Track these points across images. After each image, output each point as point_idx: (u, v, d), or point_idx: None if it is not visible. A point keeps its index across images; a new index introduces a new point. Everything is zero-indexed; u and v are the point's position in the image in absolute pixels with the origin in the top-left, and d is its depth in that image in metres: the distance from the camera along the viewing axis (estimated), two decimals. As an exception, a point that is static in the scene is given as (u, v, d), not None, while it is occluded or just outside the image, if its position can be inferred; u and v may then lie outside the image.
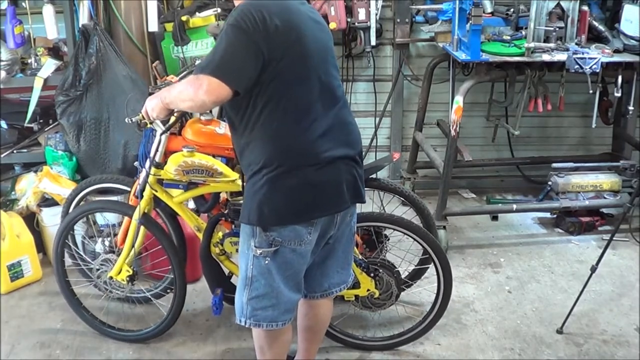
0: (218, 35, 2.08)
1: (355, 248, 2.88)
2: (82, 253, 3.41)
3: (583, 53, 3.60)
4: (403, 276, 3.14)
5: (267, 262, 2.19)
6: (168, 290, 3.24)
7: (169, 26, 4.10)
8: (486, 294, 3.54)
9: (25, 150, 4.08)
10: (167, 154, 2.92)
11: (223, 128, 3.05)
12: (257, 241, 2.18)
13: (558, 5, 3.80)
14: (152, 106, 2.29)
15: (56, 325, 3.27)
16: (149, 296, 3.24)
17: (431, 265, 3.00)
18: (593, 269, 3.15)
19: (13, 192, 3.94)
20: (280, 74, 2.05)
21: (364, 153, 4.67)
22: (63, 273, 3.14)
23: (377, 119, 4.74)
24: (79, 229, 3.46)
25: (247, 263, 2.24)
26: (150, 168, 2.91)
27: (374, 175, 3.12)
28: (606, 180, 4.15)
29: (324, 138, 2.13)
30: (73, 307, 3.19)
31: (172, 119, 2.80)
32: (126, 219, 3.07)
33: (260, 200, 2.12)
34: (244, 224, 2.21)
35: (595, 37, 3.96)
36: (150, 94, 2.47)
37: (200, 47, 4.13)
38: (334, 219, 2.26)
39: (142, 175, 2.96)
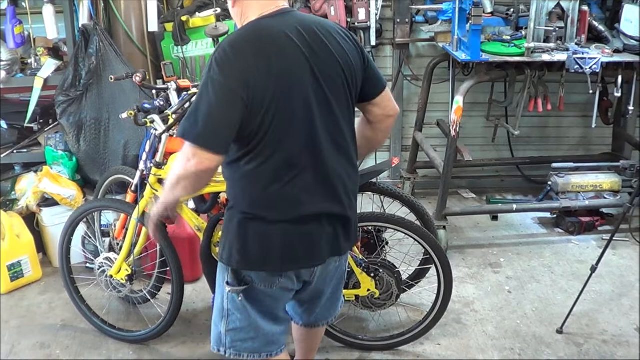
0: (203, 76, 1.87)
1: (355, 248, 2.88)
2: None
3: (583, 53, 3.60)
4: (406, 276, 3.14)
5: (240, 298, 2.06)
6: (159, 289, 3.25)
7: (169, 26, 4.10)
8: (486, 294, 3.54)
9: (25, 150, 4.09)
10: (166, 154, 2.92)
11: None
12: (229, 278, 2.05)
13: (558, 5, 3.80)
14: (157, 212, 2.12)
15: (56, 325, 3.27)
16: (145, 294, 3.24)
17: (431, 266, 3.00)
18: (593, 269, 3.15)
19: (13, 192, 3.94)
20: (265, 126, 1.84)
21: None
22: (68, 270, 3.14)
23: (377, 119, 4.73)
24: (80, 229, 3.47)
25: (222, 295, 2.12)
26: (147, 167, 2.92)
27: (373, 180, 3.13)
28: (606, 180, 4.15)
29: (306, 193, 1.93)
30: (76, 305, 3.19)
31: (172, 119, 2.80)
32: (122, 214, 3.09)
33: (231, 241, 1.99)
34: (220, 261, 2.09)
35: (595, 37, 3.96)
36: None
37: (200, 47, 4.14)
38: (311, 269, 2.09)
39: (137, 173, 3.00)
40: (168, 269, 3.01)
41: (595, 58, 3.54)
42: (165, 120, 2.80)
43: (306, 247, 2.00)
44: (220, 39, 3.20)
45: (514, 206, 4.13)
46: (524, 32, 3.86)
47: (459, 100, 3.68)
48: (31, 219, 3.81)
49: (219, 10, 3.88)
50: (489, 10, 4.00)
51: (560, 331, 3.17)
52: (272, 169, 1.88)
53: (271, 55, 1.81)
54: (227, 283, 2.05)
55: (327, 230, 2.01)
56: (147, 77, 3.61)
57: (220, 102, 1.78)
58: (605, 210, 4.33)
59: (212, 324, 2.21)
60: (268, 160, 1.87)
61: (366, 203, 3.56)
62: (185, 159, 1.82)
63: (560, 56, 3.66)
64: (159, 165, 2.88)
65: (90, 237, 3.51)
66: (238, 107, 1.78)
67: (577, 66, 3.54)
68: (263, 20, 1.89)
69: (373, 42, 4.38)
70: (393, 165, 3.48)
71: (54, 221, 3.73)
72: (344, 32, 1.99)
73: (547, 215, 4.41)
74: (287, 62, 1.83)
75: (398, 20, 4.43)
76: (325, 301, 2.30)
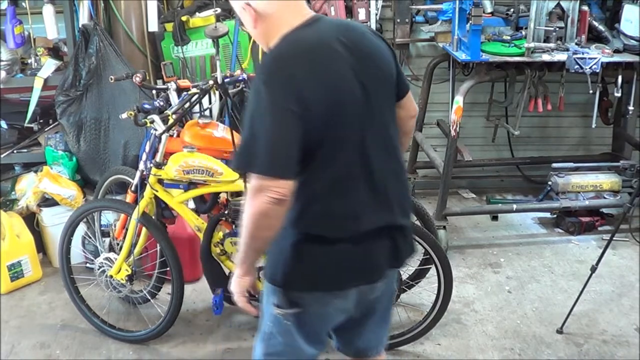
0: (247, 104, 1.71)
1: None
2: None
3: (583, 53, 3.60)
4: (406, 276, 3.14)
5: (287, 322, 1.91)
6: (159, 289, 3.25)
7: (169, 26, 4.10)
8: (486, 294, 3.54)
9: (25, 150, 4.09)
10: (166, 155, 2.92)
11: (221, 131, 3.06)
12: (278, 300, 1.89)
13: (558, 5, 3.80)
14: (233, 285, 1.95)
15: (56, 325, 3.27)
16: (145, 294, 3.23)
17: (431, 266, 3.00)
18: (593, 269, 3.15)
19: (13, 192, 3.94)
20: (322, 141, 1.70)
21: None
22: (68, 270, 3.14)
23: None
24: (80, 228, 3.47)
25: (267, 318, 1.98)
26: (147, 167, 2.92)
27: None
28: (606, 180, 4.15)
29: (362, 206, 1.81)
30: (76, 305, 3.19)
31: (171, 119, 2.80)
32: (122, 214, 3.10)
33: (285, 260, 1.82)
34: (266, 280, 1.92)
35: (595, 37, 3.95)
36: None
37: (200, 47, 4.13)
38: (370, 285, 1.95)
39: (137, 173, 3.00)
40: (168, 269, 3.02)
41: (595, 58, 3.54)
42: (165, 121, 2.80)
43: (366, 262, 1.88)
44: (220, 40, 3.19)
45: (514, 206, 4.13)
46: (524, 32, 3.86)
47: (459, 100, 3.68)
48: (31, 219, 3.81)
49: (219, 10, 3.87)
50: (489, 10, 4.00)
51: (560, 331, 3.17)
52: (329, 184, 1.76)
53: (319, 67, 1.70)
54: (276, 305, 1.89)
55: (385, 242, 1.89)
56: (147, 77, 3.61)
57: (279, 123, 1.63)
58: (605, 210, 4.33)
59: (254, 343, 2.08)
60: (324, 176, 1.75)
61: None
62: (254, 196, 1.64)
63: (560, 56, 3.66)
64: (159, 166, 2.88)
65: (90, 237, 3.51)
66: (297, 125, 1.64)
67: (577, 66, 3.54)
68: (298, 31, 1.73)
69: (373, 42, 4.37)
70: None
71: (54, 221, 3.73)
72: (375, 33, 1.91)
73: (547, 215, 4.41)
74: (335, 71, 1.71)
75: (398, 20, 4.42)
76: (376, 320, 2.11)
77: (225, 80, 2.99)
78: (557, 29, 3.76)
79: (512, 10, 3.99)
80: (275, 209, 1.65)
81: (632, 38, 3.72)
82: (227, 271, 3.07)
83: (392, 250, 1.91)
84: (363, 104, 1.75)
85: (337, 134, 1.72)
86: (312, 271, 1.83)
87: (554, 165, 4.22)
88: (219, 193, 2.98)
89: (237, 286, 1.93)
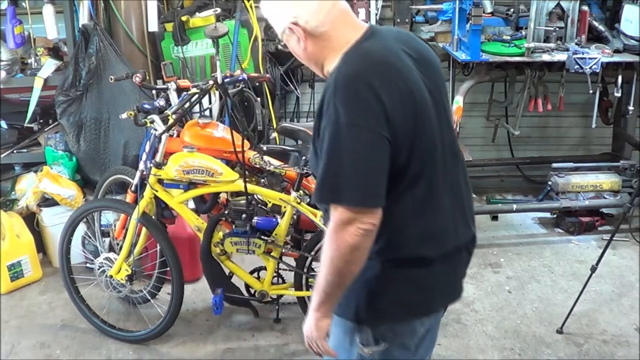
0: (325, 131, 1.53)
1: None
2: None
3: (583, 53, 3.60)
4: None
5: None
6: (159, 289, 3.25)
7: (169, 26, 4.10)
8: (486, 294, 3.54)
9: (25, 150, 4.09)
10: (166, 155, 2.92)
11: (221, 131, 3.06)
12: (363, 339, 1.70)
13: (558, 5, 3.80)
14: (311, 328, 1.69)
15: (56, 325, 3.27)
16: (145, 294, 3.23)
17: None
18: (593, 269, 3.15)
19: (13, 192, 3.94)
20: (409, 159, 1.58)
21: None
22: (68, 270, 3.14)
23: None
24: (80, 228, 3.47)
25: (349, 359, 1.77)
26: (147, 167, 2.92)
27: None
28: (606, 180, 4.15)
29: (448, 223, 1.71)
30: (76, 305, 3.19)
31: (171, 119, 2.80)
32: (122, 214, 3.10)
33: (370, 293, 1.66)
34: (346, 319, 1.72)
35: (595, 37, 3.96)
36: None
37: (200, 47, 4.13)
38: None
39: (137, 173, 3.00)
40: (168, 269, 3.02)
41: (595, 58, 3.54)
42: (165, 121, 2.80)
43: (453, 278, 1.79)
44: (220, 40, 3.19)
45: (514, 206, 4.13)
46: (524, 32, 3.86)
47: (459, 100, 3.68)
48: (31, 219, 3.81)
49: (219, 10, 3.88)
50: (489, 10, 4.00)
51: (560, 331, 3.17)
52: (416, 205, 1.63)
53: (397, 82, 1.55)
54: (363, 344, 1.71)
55: (464, 255, 1.80)
56: (147, 77, 3.61)
57: (366, 148, 1.49)
58: (605, 210, 4.33)
59: None
60: (410, 197, 1.61)
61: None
62: (339, 229, 1.52)
63: (560, 56, 3.66)
64: (159, 166, 2.88)
65: (90, 237, 3.51)
66: (384, 148, 1.51)
67: (577, 66, 3.54)
68: (362, 45, 1.60)
69: (373, 42, 4.37)
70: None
71: (54, 221, 3.73)
72: (422, 39, 1.86)
73: (547, 215, 4.41)
74: (411, 85, 1.58)
75: (398, 20, 4.42)
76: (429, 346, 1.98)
77: (225, 80, 2.99)
78: (557, 29, 3.76)
79: (512, 10, 3.99)
80: (366, 240, 1.53)
81: (632, 38, 3.72)
82: (227, 271, 3.08)
83: (467, 261, 1.84)
84: (435, 115, 1.64)
85: (422, 152, 1.59)
86: (404, 298, 1.69)
87: (554, 165, 4.22)
88: (219, 193, 2.98)
89: (317, 330, 1.68)
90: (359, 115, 1.49)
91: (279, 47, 4.17)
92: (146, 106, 2.89)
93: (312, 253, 2.89)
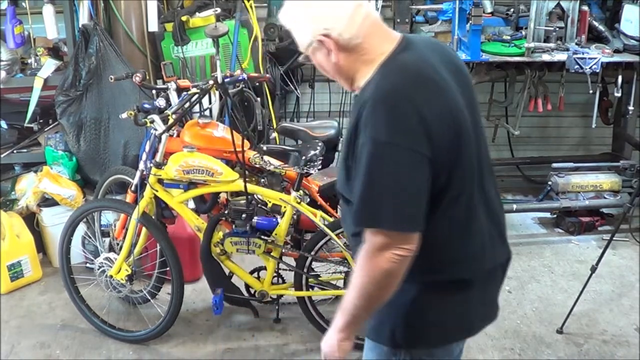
0: (362, 150, 1.44)
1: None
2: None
3: (583, 53, 3.60)
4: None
5: None
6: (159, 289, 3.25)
7: (169, 26, 4.10)
8: (486, 294, 3.53)
9: (25, 150, 4.09)
10: (166, 154, 2.92)
11: (221, 131, 3.06)
12: None
13: (558, 5, 3.80)
14: (333, 348, 1.63)
15: (56, 325, 3.27)
16: (145, 294, 3.23)
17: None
18: (593, 269, 3.15)
19: (13, 192, 3.94)
20: (450, 177, 1.50)
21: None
22: (68, 270, 3.14)
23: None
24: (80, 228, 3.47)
25: None
26: (147, 167, 2.92)
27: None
28: (606, 180, 4.15)
29: (485, 243, 1.64)
30: (76, 305, 3.19)
31: (171, 119, 2.80)
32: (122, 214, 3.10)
33: (406, 317, 1.59)
34: (382, 343, 1.65)
35: (595, 37, 3.96)
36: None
37: (200, 47, 4.13)
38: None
39: (137, 173, 3.01)
40: (168, 269, 3.02)
41: (595, 58, 3.54)
42: (165, 120, 2.80)
43: (490, 299, 1.75)
44: (220, 40, 3.19)
45: (514, 206, 4.13)
46: (524, 32, 3.87)
47: (459, 100, 3.68)
48: (31, 219, 3.81)
49: (219, 10, 3.88)
50: (489, 10, 4.01)
51: (560, 331, 3.17)
52: (454, 226, 1.55)
53: (438, 97, 1.48)
54: None
55: (499, 274, 1.75)
56: (147, 77, 3.61)
57: (405, 168, 1.41)
58: (605, 210, 4.33)
59: None
60: (451, 215, 1.54)
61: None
62: (374, 254, 1.45)
63: (560, 56, 3.66)
64: (159, 165, 2.88)
65: (90, 237, 3.51)
66: (426, 168, 1.43)
67: (577, 66, 3.55)
68: (398, 57, 1.51)
69: (373, 42, 4.37)
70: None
71: (54, 221, 3.73)
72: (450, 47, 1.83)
73: (547, 215, 4.41)
74: (450, 100, 1.51)
75: (398, 20, 4.42)
76: None
77: (225, 80, 2.98)
78: (557, 29, 3.76)
79: (512, 10, 4.00)
80: (402, 267, 1.46)
81: (632, 38, 3.72)
82: (227, 271, 3.08)
83: (502, 281, 1.78)
84: (472, 129, 1.55)
85: (461, 170, 1.52)
86: (443, 322, 1.62)
87: (554, 165, 4.22)
88: (219, 193, 2.98)
89: (339, 351, 1.62)
90: (399, 133, 1.40)
91: (279, 46, 4.18)
92: (146, 106, 2.89)
93: (312, 253, 2.89)
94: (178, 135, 3.00)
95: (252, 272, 3.09)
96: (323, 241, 2.87)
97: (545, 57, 3.67)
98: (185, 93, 3.01)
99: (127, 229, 3.02)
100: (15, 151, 4.05)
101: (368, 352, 1.70)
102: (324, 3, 1.50)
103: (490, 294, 1.74)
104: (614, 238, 3.22)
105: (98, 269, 3.09)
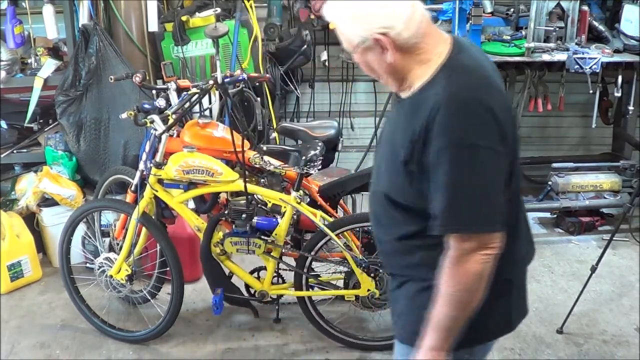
0: (441, 156, 1.41)
1: (355, 248, 2.88)
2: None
3: (583, 53, 3.61)
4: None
5: None
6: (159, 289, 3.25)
7: (169, 26, 4.10)
8: (486, 294, 3.53)
9: (25, 150, 4.09)
10: (166, 154, 2.92)
11: (221, 131, 3.06)
12: None
13: (558, 5, 3.80)
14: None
15: (56, 325, 3.27)
16: (145, 294, 3.23)
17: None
18: (593, 269, 3.15)
19: (13, 192, 3.94)
20: (510, 179, 1.52)
21: (364, 153, 4.72)
22: (68, 270, 3.14)
23: (377, 119, 4.74)
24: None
25: None
26: (147, 167, 2.92)
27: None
28: (606, 180, 4.15)
29: (524, 242, 1.69)
30: (76, 305, 3.19)
31: (171, 119, 2.80)
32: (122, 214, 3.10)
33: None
34: (414, 346, 1.60)
35: (595, 37, 3.96)
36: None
37: (200, 47, 4.13)
38: None
39: (137, 173, 3.01)
40: (168, 269, 3.02)
41: (595, 58, 3.54)
42: (165, 121, 2.80)
43: (523, 295, 1.76)
44: (220, 40, 3.20)
45: (514, 206, 4.12)
46: (524, 32, 3.87)
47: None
48: (31, 219, 3.81)
49: (219, 10, 3.88)
50: (489, 10, 4.01)
51: (560, 331, 3.17)
52: (509, 223, 1.53)
53: (499, 96, 1.48)
54: None
55: (526, 272, 1.77)
56: (147, 77, 3.61)
57: (489, 169, 1.41)
58: (605, 210, 4.33)
59: None
60: (507, 213, 1.51)
61: (366, 203, 3.56)
62: (463, 259, 1.44)
63: (560, 56, 3.66)
64: (159, 166, 2.88)
65: (90, 237, 3.51)
66: (504, 166, 1.45)
67: (577, 66, 3.55)
68: (459, 59, 1.50)
69: (373, 42, 4.37)
70: (393, 165, 3.47)
71: (54, 221, 3.73)
72: None
73: (547, 215, 4.41)
74: (506, 97, 1.54)
75: (398, 20, 4.42)
76: None
77: (225, 80, 2.98)
78: (557, 29, 3.76)
79: (512, 10, 4.00)
80: (490, 267, 1.45)
81: (632, 38, 3.72)
82: (227, 271, 3.08)
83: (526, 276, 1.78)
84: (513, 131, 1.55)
85: (517, 171, 1.55)
86: (488, 322, 1.62)
87: (554, 165, 4.22)
88: (219, 193, 2.98)
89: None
90: (479, 134, 1.39)
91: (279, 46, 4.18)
92: (146, 106, 2.89)
93: (312, 253, 2.89)
94: (178, 135, 3.00)
95: (252, 272, 3.10)
96: (323, 241, 2.87)
97: (545, 57, 3.67)
98: (185, 93, 3.01)
99: (127, 229, 3.02)
100: (15, 151, 4.05)
101: (402, 356, 1.67)
102: (381, 2, 1.45)
103: (524, 290, 1.76)
104: (614, 238, 3.22)
105: (98, 269, 3.09)
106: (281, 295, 3.08)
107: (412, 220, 1.55)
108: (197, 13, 4.07)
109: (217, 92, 3.77)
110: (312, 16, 4.32)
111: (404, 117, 1.51)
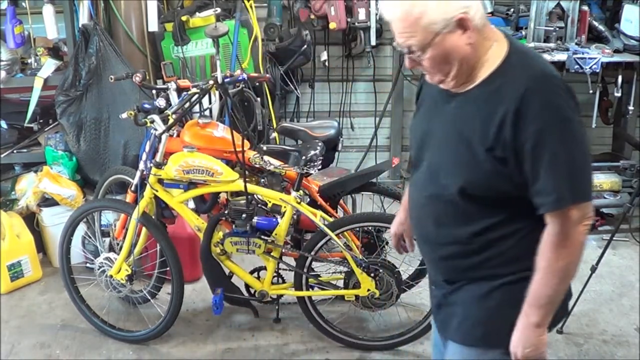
0: (545, 134, 1.44)
1: (355, 248, 2.89)
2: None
3: (583, 53, 3.61)
4: (406, 276, 3.14)
5: None
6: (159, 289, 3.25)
7: (169, 26, 4.10)
8: (486, 294, 3.53)
9: (25, 150, 4.09)
10: (166, 154, 2.92)
11: (221, 131, 3.06)
12: None
13: (558, 5, 3.80)
14: (536, 346, 1.55)
15: (56, 325, 3.27)
16: (145, 294, 3.23)
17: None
18: (593, 269, 3.15)
19: (13, 192, 3.94)
20: None
21: (364, 153, 4.72)
22: (68, 270, 3.14)
23: (377, 119, 4.74)
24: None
25: None
26: (147, 167, 2.92)
27: (373, 180, 3.14)
28: (606, 180, 4.14)
29: None
30: (76, 305, 3.19)
31: (171, 119, 2.80)
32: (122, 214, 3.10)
33: (506, 311, 1.57)
34: (472, 346, 1.64)
35: (595, 37, 3.96)
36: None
37: (200, 47, 4.14)
38: None
39: (137, 173, 3.01)
40: (168, 269, 3.02)
41: (595, 58, 3.55)
42: (165, 121, 2.80)
43: None
44: (220, 40, 3.20)
45: (514, 206, 4.12)
46: (524, 32, 3.87)
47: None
48: (31, 219, 3.81)
49: (219, 10, 3.88)
50: (489, 10, 4.01)
51: (560, 331, 3.17)
52: None
53: None
54: None
55: None
56: (147, 77, 3.61)
57: (585, 139, 1.51)
58: (605, 210, 4.33)
59: None
60: None
61: (366, 203, 3.57)
62: (573, 230, 1.49)
63: (560, 56, 3.66)
64: (159, 165, 2.88)
65: (90, 237, 3.51)
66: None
67: (577, 66, 3.55)
68: (515, 42, 1.56)
69: (373, 42, 4.38)
70: (393, 166, 3.48)
71: (54, 221, 3.73)
72: None
73: (547, 215, 4.40)
74: None
75: (398, 20, 4.42)
76: None
77: (225, 80, 2.99)
78: (557, 29, 3.76)
79: (512, 10, 4.00)
80: (583, 246, 1.52)
81: (632, 38, 3.72)
82: (227, 271, 3.08)
83: None
84: None
85: None
86: (566, 298, 1.63)
87: (554, 165, 4.21)
88: (219, 193, 2.98)
89: (543, 345, 1.56)
90: (571, 109, 1.45)
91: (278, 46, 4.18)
92: (146, 106, 2.89)
93: (312, 253, 2.89)
94: (178, 135, 3.00)
95: (252, 272, 3.10)
96: (323, 241, 2.87)
97: (545, 57, 3.67)
98: (185, 93, 3.01)
99: (127, 229, 3.02)
100: (15, 151, 4.05)
101: (469, 357, 1.66)
102: None
103: None
104: (614, 238, 3.23)
105: (98, 269, 3.09)
106: (281, 295, 3.08)
107: (491, 211, 1.55)
108: (197, 13, 4.08)
109: (217, 92, 3.77)
110: (312, 16, 4.33)
111: (474, 108, 1.51)
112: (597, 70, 3.56)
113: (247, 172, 2.88)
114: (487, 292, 1.61)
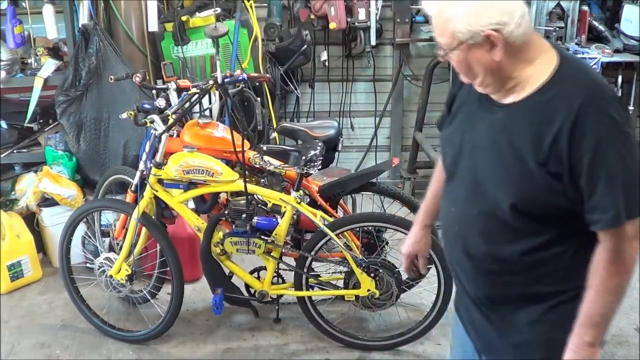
0: (603, 145, 1.40)
1: (355, 248, 2.89)
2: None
3: (583, 53, 3.61)
4: (406, 276, 3.14)
5: None
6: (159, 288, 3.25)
7: (169, 26, 4.11)
8: (486, 294, 3.53)
9: (25, 150, 4.09)
10: (166, 154, 2.92)
11: (221, 131, 3.06)
12: None
13: (558, 5, 3.80)
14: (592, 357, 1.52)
15: (56, 325, 3.27)
16: (145, 294, 3.23)
17: (431, 266, 3.00)
18: (593, 269, 3.14)
19: (13, 192, 3.94)
20: None
21: (364, 153, 4.72)
22: (68, 270, 3.14)
23: (377, 119, 4.75)
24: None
25: None
26: (147, 167, 2.93)
27: (373, 180, 3.14)
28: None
29: None
30: (76, 305, 3.19)
31: (171, 119, 2.80)
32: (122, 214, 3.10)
33: (566, 327, 1.53)
34: None
35: (595, 37, 3.96)
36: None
37: (200, 47, 4.14)
38: None
39: (137, 173, 3.01)
40: (168, 269, 3.02)
41: (595, 58, 3.55)
42: (165, 121, 2.80)
43: None
44: (220, 40, 3.20)
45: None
46: (524, 32, 3.86)
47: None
48: (31, 219, 3.81)
49: (219, 10, 3.88)
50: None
51: (560, 331, 3.17)
52: None
53: None
54: None
55: None
56: (147, 77, 3.61)
57: (637, 154, 1.44)
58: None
59: None
60: None
61: (366, 203, 3.57)
62: (629, 245, 1.44)
63: (560, 56, 3.66)
64: (159, 166, 2.88)
65: (90, 237, 3.51)
66: None
67: (577, 66, 3.54)
68: (566, 53, 1.52)
69: (373, 42, 4.38)
70: (393, 166, 3.48)
71: (54, 221, 3.73)
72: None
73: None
74: None
75: (398, 20, 4.43)
76: None
77: (225, 80, 2.99)
78: (557, 28, 3.77)
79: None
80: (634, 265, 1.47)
81: (632, 38, 3.72)
82: (227, 271, 3.08)
83: None
84: None
85: None
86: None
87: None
88: (219, 193, 2.98)
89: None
90: (625, 123, 1.42)
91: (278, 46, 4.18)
92: (146, 106, 2.89)
93: (312, 253, 2.89)
94: (178, 135, 3.00)
95: (252, 272, 3.10)
96: (323, 241, 2.87)
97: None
98: (185, 93, 3.01)
99: (127, 229, 3.02)
100: (15, 151, 4.05)
101: None
102: None
103: None
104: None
105: (98, 269, 3.09)
106: (281, 295, 3.08)
107: (543, 229, 1.50)
108: (197, 13, 4.08)
109: (217, 92, 3.77)
110: (312, 16, 4.33)
111: (526, 120, 1.46)
112: (597, 70, 3.56)
113: (247, 172, 2.88)
114: (542, 314, 1.57)
